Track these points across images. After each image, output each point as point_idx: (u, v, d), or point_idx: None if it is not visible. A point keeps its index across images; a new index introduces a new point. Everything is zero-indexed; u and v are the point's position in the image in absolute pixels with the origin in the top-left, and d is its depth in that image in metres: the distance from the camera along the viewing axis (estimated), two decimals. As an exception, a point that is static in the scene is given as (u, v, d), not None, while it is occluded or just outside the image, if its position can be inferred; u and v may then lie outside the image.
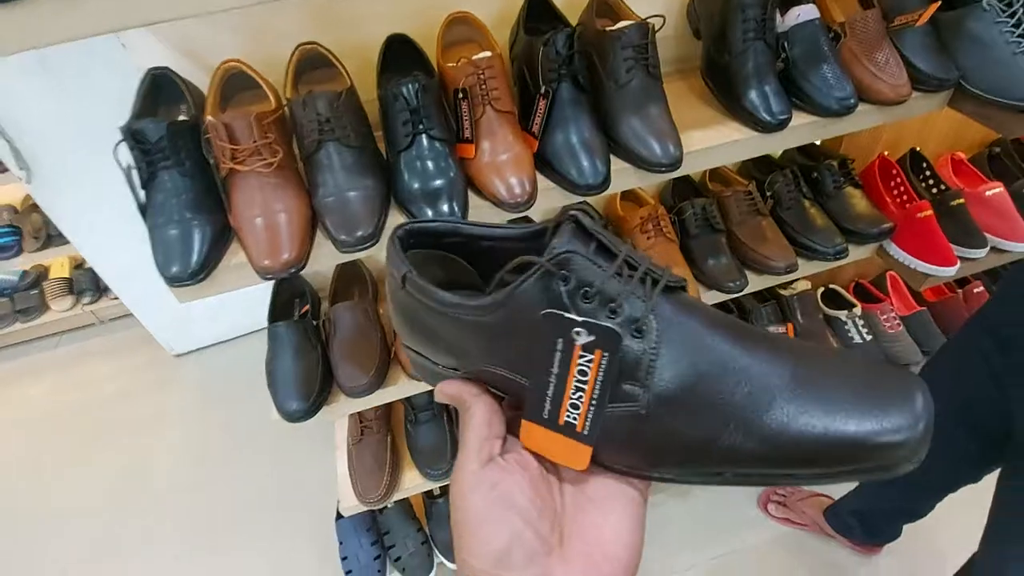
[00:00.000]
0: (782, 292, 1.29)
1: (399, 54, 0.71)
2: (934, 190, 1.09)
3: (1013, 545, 0.82)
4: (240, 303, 1.87)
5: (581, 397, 0.27)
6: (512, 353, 0.29)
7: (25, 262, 1.90)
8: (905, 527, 1.20)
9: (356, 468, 1.07)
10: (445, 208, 0.66)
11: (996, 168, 1.15)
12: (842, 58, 0.80)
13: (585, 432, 0.28)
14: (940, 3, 0.80)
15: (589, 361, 0.27)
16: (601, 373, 0.27)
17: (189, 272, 0.62)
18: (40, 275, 2.10)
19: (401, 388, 0.89)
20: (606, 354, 0.27)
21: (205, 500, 1.56)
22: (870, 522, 1.20)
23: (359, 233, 0.63)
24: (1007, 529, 0.80)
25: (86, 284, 2.05)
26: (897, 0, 0.82)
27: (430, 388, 1.06)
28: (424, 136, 0.66)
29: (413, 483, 1.09)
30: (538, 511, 0.27)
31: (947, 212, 1.03)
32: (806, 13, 0.78)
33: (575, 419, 0.28)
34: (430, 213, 0.66)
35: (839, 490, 1.27)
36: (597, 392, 0.27)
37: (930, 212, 1.00)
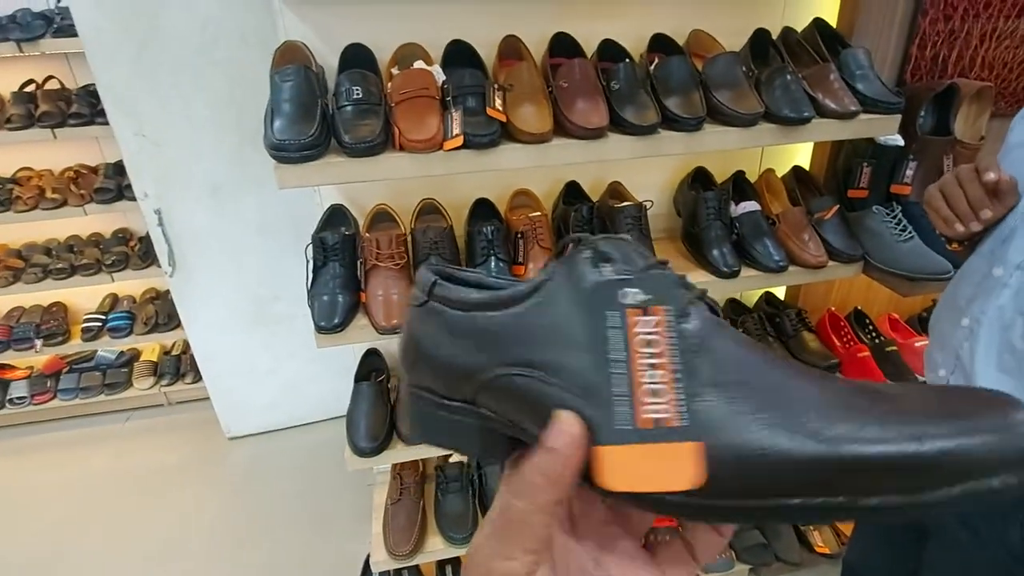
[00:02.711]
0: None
1: (482, 209, 1.12)
2: (875, 340, 1.38)
3: None
4: (291, 400, 2.16)
5: (655, 376, 0.21)
6: (546, 351, 0.23)
7: (126, 343, 2.28)
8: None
9: (390, 525, 1.25)
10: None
11: (925, 327, 1.45)
12: (778, 235, 1.17)
13: (683, 423, 0.21)
14: (840, 206, 1.19)
15: (652, 325, 0.22)
16: (671, 333, 0.22)
17: (332, 325, 0.95)
18: (133, 356, 2.46)
19: (445, 445, 1.13)
20: (668, 308, 0.22)
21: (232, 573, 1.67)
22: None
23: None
24: None
25: (168, 368, 2.38)
26: (815, 201, 1.22)
27: (462, 459, 1.29)
28: (494, 258, 1.03)
29: (435, 547, 1.25)
30: None
31: (883, 356, 1.31)
32: (750, 206, 1.18)
33: (662, 410, 0.21)
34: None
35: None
36: (677, 361, 0.21)
37: (867, 353, 1.28)
